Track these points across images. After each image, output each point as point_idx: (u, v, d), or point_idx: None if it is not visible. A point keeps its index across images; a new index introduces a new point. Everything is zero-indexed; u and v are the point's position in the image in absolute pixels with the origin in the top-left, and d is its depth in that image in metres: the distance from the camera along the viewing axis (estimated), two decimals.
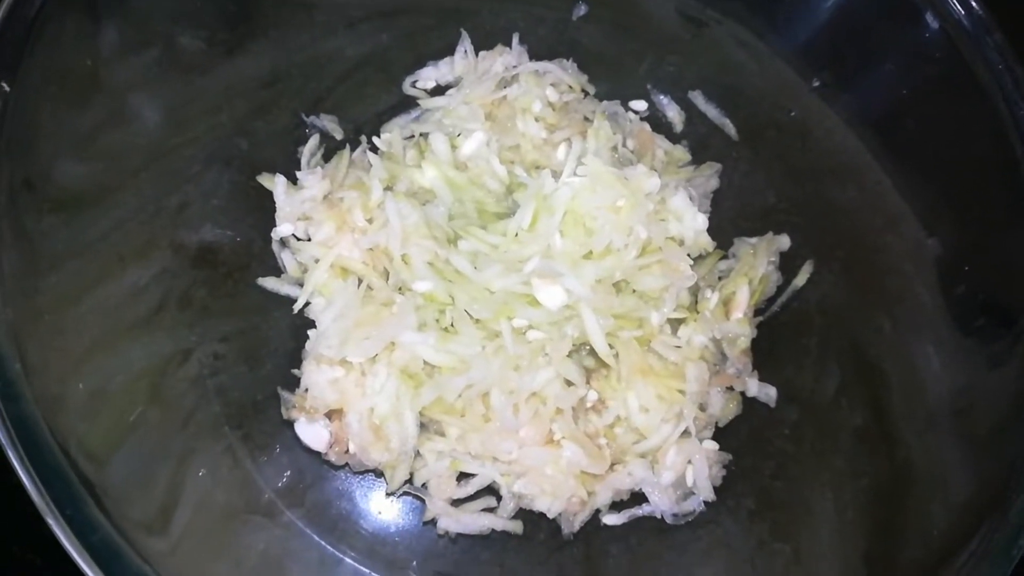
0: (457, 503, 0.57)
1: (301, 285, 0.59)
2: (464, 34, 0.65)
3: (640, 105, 0.67)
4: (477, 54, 0.65)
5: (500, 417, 0.55)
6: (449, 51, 0.65)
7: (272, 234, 0.60)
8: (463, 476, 0.57)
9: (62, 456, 0.38)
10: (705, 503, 0.57)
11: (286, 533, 0.55)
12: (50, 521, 0.36)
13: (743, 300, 0.60)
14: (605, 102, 0.66)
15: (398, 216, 0.57)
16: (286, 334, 0.59)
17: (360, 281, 0.58)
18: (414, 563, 0.56)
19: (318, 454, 0.57)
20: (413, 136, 0.64)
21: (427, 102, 0.65)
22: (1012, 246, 0.53)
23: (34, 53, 0.47)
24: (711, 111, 0.66)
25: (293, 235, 0.60)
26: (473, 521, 0.56)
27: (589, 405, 0.58)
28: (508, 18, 0.65)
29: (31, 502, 0.37)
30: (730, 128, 0.65)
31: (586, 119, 0.65)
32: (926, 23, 0.55)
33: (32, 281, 0.47)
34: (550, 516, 0.56)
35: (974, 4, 0.54)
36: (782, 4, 0.62)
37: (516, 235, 0.57)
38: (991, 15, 0.54)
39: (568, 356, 0.56)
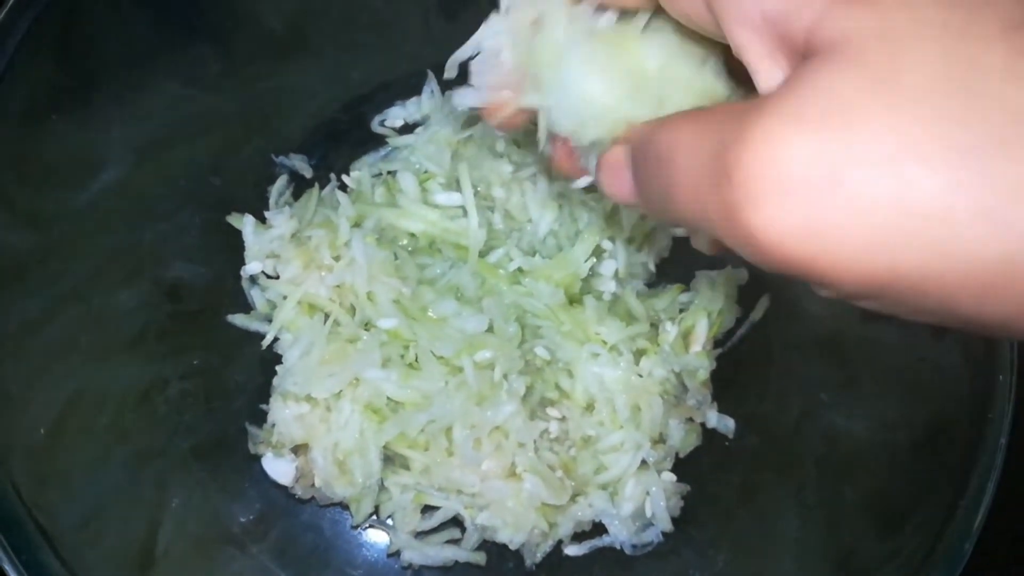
0: (421, 535, 0.58)
1: (270, 321, 0.61)
2: (430, 74, 0.66)
3: None
4: (444, 93, 0.67)
5: (462, 451, 0.56)
6: (416, 91, 0.67)
7: (242, 272, 0.62)
8: (428, 509, 0.59)
9: (18, 501, 0.39)
10: (664, 534, 0.58)
11: (254, 565, 0.57)
12: (7, 567, 0.38)
13: (702, 333, 0.61)
14: None
15: (364, 255, 0.59)
16: (255, 369, 0.61)
17: (327, 317, 0.60)
18: None
19: (285, 488, 0.58)
20: (381, 174, 0.65)
21: (395, 140, 0.66)
22: None
23: (3, 104, 0.48)
24: None
25: (263, 272, 0.62)
26: (437, 553, 0.57)
27: (553, 436, 0.60)
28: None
29: None
30: None
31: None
32: None
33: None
34: (512, 548, 0.57)
35: None
36: None
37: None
38: None
39: (529, 388, 0.58)
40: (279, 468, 0.57)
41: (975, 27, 0.22)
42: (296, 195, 0.65)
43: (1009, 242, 0.21)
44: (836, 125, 0.21)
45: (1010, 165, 0.20)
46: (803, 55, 0.24)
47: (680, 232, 0.58)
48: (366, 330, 0.59)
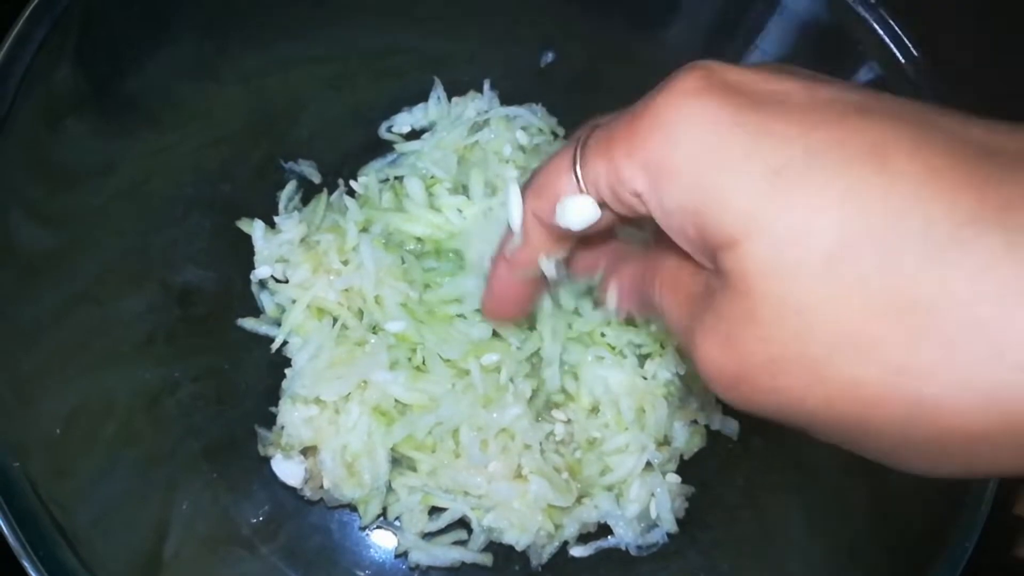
0: (428, 536, 0.59)
1: (279, 325, 0.62)
2: (437, 81, 0.67)
3: None
4: (450, 100, 0.68)
5: (468, 453, 0.57)
6: (423, 97, 0.68)
7: (251, 276, 0.63)
8: (435, 510, 0.59)
9: (35, 498, 0.40)
10: (669, 535, 0.59)
11: (263, 566, 0.57)
12: (25, 564, 0.38)
13: None
14: None
15: (372, 259, 0.60)
16: (265, 372, 0.61)
17: (335, 321, 0.61)
18: None
19: (294, 489, 0.59)
20: (388, 179, 0.66)
21: (402, 146, 0.67)
22: None
23: (20, 111, 0.49)
24: None
25: (272, 277, 0.63)
26: (444, 554, 0.58)
27: (559, 439, 0.60)
28: (479, 65, 0.67)
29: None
30: None
31: None
32: None
33: (11, 323, 0.49)
34: (518, 549, 0.58)
35: None
36: None
37: None
38: None
39: (535, 390, 0.59)
40: (288, 470, 0.58)
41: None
42: (305, 200, 0.66)
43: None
44: (733, 344, 0.31)
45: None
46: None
47: None
48: (374, 333, 0.60)
